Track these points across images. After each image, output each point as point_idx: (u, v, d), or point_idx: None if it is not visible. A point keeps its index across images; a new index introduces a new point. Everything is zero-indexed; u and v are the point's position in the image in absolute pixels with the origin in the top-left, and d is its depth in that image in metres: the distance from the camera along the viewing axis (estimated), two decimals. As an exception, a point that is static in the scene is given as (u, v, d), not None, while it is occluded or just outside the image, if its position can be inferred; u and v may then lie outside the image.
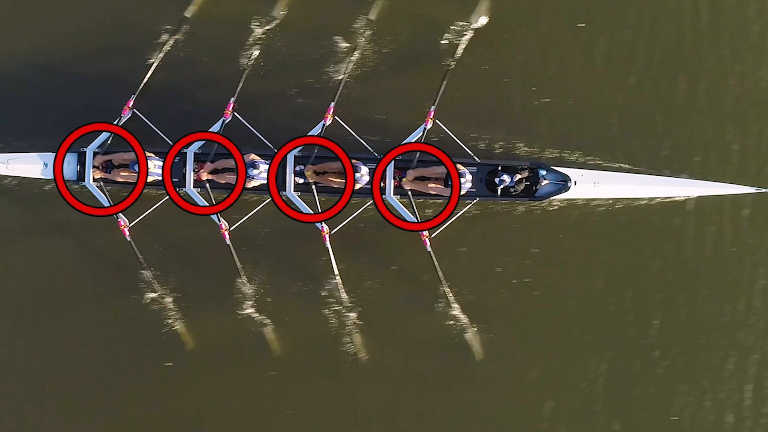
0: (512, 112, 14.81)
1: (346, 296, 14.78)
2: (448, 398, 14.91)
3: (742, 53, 14.73)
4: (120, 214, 14.28)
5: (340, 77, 14.48)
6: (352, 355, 14.91)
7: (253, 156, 14.31)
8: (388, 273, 14.93)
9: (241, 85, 14.26)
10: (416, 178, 14.27)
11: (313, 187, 14.21)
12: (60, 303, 15.17)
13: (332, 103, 14.10)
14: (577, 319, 14.84)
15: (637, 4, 14.84)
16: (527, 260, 14.82)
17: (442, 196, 14.25)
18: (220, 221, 14.21)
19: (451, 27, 14.67)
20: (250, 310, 14.94)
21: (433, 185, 14.25)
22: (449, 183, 14.09)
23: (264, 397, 15.06)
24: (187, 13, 14.87)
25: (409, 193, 14.18)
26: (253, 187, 14.39)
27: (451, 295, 14.52)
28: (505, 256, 14.84)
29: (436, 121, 13.99)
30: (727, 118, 14.72)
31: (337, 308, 14.89)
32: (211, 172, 14.39)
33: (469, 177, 14.20)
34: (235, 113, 14.16)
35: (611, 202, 14.67)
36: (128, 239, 14.35)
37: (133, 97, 14.32)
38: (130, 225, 14.33)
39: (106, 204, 14.33)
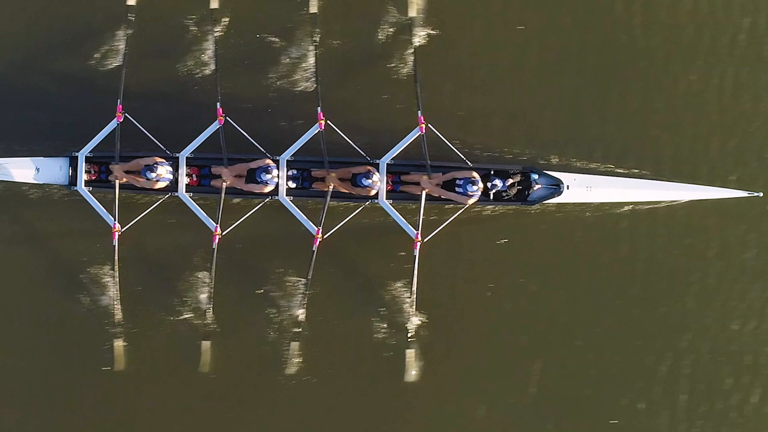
0: (503, 115, 14.83)
1: (303, 310, 14.51)
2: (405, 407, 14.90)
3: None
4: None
5: (316, 81, 14.39)
6: (299, 363, 14.72)
7: (268, 161, 14.09)
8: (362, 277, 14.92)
9: (219, 88, 14.05)
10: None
11: (328, 192, 14.04)
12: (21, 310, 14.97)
13: (318, 108, 14.01)
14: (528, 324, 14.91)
15: (639, 3, 14.95)
16: (514, 264, 14.87)
17: (454, 201, 14.19)
18: (216, 225, 14.03)
19: (420, 28, 14.62)
20: (211, 318, 14.49)
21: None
22: (456, 189, 14.08)
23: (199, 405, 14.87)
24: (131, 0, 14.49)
25: (423, 196, 14.07)
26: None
27: (415, 304, 14.29)
28: (495, 260, 14.87)
29: (429, 125, 13.97)
30: (721, 123, 14.95)
31: (300, 312, 14.56)
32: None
33: (480, 185, 14.14)
34: (227, 117, 13.98)
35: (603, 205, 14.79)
36: (114, 243, 14.14)
37: (120, 102, 14.03)
38: (122, 230, 14.15)
39: (100, 209, 14.14)
